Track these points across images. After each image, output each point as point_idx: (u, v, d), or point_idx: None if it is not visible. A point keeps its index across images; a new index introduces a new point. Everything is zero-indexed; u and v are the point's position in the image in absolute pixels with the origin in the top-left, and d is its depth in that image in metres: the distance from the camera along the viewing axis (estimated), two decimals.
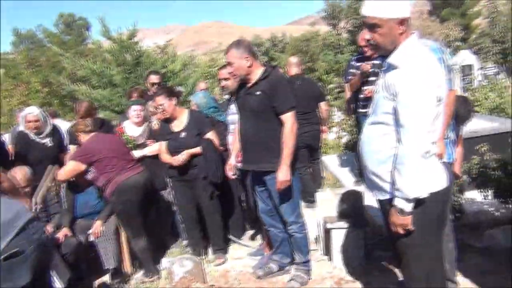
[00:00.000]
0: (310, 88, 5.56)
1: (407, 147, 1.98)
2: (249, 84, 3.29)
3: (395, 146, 2.04)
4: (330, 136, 9.55)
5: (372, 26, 2.04)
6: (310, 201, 5.37)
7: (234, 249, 4.65)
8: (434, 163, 2.09)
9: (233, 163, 3.66)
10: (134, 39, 7.45)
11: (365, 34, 2.09)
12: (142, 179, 4.11)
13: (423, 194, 2.03)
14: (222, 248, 4.45)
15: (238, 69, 3.26)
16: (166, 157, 4.19)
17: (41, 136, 4.55)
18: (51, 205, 4.31)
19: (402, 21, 2.01)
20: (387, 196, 2.14)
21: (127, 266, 4.44)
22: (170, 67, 7.83)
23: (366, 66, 4.69)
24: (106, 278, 4.29)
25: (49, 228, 4.09)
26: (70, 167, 4.03)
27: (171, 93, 4.12)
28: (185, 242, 4.62)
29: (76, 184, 4.37)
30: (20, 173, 3.96)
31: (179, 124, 4.17)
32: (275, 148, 3.23)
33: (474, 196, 4.26)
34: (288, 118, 3.20)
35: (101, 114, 7.40)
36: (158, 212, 4.67)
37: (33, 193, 4.17)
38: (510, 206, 3.81)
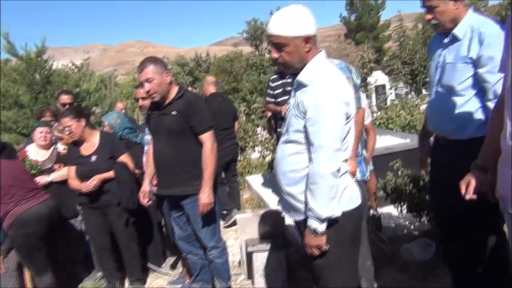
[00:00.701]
0: (228, 106, 5.81)
1: (317, 166, 1.92)
2: (164, 104, 3.12)
3: (307, 166, 1.99)
4: (253, 155, 9.55)
5: (278, 45, 1.99)
6: (224, 214, 5.40)
7: (153, 278, 4.39)
8: (347, 181, 2.06)
9: (147, 189, 3.43)
10: (43, 57, 6.94)
11: (273, 54, 2.03)
12: (45, 209, 3.75)
13: (336, 213, 1.99)
14: (140, 278, 4.18)
15: (160, 85, 3.04)
16: (75, 183, 3.86)
17: None
18: None
19: (308, 39, 1.98)
20: (302, 217, 2.08)
21: None
22: (84, 87, 7.39)
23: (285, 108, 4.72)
24: None
25: None
26: None
27: (79, 113, 3.82)
28: (99, 274, 4.27)
29: None
30: None
31: (90, 147, 3.88)
32: (192, 170, 3.08)
33: (391, 211, 4.39)
34: (208, 138, 3.07)
35: (6, 137, 6.78)
36: (68, 243, 4.29)
37: None
38: (423, 219, 3.95)
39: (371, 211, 4.00)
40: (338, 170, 1.94)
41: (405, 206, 3.97)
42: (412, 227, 4.27)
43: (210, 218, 3.18)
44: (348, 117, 1.97)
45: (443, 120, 2.36)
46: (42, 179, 4.25)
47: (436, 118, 2.44)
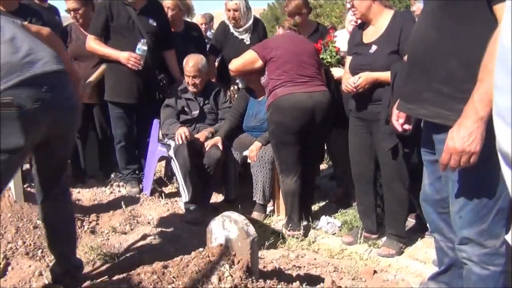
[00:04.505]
0: None
1: None
2: None
3: None
4: None
5: None
6: None
7: None
8: None
9: None
10: None
11: None
12: (310, 101, 3.01)
13: None
14: (400, 235, 2.94)
15: None
16: (344, 78, 2.87)
17: (239, 30, 3.89)
18: (221, 107, 3.71)
19: None
20: None
21: (278, 207, 3.54)
22: None
23: None
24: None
25: (206, 132, 3.55)
26: (244, 57, 3.32)
27: None
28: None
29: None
30: (191, 60, 3.50)
31: (374, 32, 2.72)
32: (463, 80, 1.53)
33: None
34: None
35: None
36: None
37: None
38: None
39: None
40: None
41: None
42: None
43: (478, 183, 1.59)
44: None
45: None
46: (336, 72, 3.45)
47: None
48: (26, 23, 2.10)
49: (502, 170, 0.95)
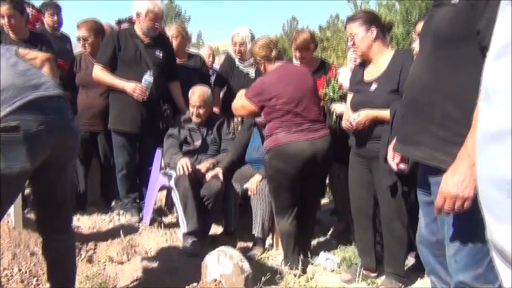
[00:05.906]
0: None
1: None
2: None
3: None
4: None
5: None
6: None
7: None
8: None
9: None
10: None
11: None
12: (312, 149, 2.96)
13: None
14: (399, 274, 2.90)
15: None
16: (345, 115, 2.90)
17: (244, 64, 3.97)
18: (224, 139, 3.74)
19: None
20: None
21: (277, 241, 3.52)
22: None
23: None
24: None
25: (207, 163, 3.57)
26: (242, 103, 3.16)
27: (372, 20, 2.72)
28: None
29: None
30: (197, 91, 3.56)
31: (375, 70, 2.77)
32: (458, 123, 1.55)
33: None
34: None
35: None
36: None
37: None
38: None
39: None
40: None
41: None
42: None
43: (472, 227, 1.58)
44: None
45: None
46: (338, 108, 3.48)
47: None
48: (20, 49, 2.13)
49: (493, 258, 0.87)
